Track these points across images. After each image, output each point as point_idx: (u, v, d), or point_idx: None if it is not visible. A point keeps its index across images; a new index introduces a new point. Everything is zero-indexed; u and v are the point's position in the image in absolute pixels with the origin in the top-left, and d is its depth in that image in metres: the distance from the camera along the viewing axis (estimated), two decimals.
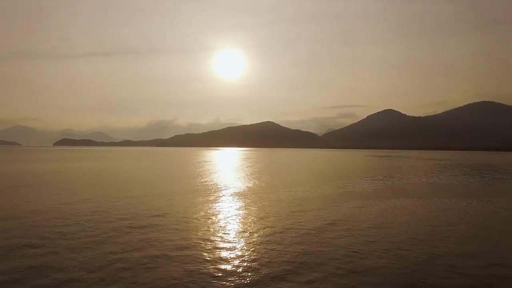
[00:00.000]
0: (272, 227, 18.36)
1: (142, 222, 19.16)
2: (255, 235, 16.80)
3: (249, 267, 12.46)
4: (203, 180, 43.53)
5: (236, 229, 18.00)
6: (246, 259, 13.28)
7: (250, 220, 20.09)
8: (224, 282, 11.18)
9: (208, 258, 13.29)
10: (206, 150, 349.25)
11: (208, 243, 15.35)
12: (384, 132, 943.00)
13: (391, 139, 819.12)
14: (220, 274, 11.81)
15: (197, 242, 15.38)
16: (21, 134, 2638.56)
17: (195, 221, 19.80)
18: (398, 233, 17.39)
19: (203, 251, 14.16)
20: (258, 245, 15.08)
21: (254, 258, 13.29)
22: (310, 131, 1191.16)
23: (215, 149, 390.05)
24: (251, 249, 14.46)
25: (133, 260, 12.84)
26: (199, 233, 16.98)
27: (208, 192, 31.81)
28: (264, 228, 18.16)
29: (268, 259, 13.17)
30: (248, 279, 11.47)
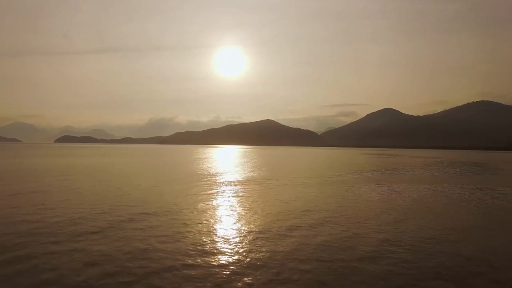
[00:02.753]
0: (287, 203, 24.86)
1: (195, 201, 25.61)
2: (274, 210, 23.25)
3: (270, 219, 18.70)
4: (219, 174, 49.93)
5: (261, 203, 24.49)
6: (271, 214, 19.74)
7: (267, 200, 26.58)
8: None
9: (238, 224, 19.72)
10: (207, 147, 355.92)
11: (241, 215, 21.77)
12: (383, 131, 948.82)
13: (390, 138, 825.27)
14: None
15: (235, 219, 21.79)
16: (21, 131, 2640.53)
17: (228, 207, 26.23)
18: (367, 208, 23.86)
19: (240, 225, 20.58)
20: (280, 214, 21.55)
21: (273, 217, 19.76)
22: (310, 130, 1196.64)
23: (215, 147, 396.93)
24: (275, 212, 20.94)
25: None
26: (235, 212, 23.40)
27: (228, 183, 38.25)
28: (280, 204, 24.62)
29: (288, 218, 19.65)
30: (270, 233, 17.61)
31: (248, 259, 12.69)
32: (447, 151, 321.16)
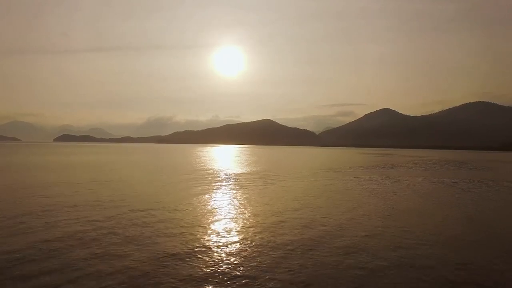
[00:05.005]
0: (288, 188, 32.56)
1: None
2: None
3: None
4: (230, 170, 57.57)
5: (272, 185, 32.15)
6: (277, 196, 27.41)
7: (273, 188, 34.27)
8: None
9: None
10: (206, 147, 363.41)
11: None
12: (380, 131, 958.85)
13: (388, 138, 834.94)
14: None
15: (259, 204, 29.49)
16: (20, 130, 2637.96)
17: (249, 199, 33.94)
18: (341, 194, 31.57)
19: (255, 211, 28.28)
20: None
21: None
22: (308, 129, 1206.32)
23: (215, 146, 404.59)
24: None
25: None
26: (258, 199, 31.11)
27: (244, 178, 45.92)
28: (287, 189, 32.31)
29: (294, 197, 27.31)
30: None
31: (270, 223, 20.12)
32: (442, 151, 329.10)
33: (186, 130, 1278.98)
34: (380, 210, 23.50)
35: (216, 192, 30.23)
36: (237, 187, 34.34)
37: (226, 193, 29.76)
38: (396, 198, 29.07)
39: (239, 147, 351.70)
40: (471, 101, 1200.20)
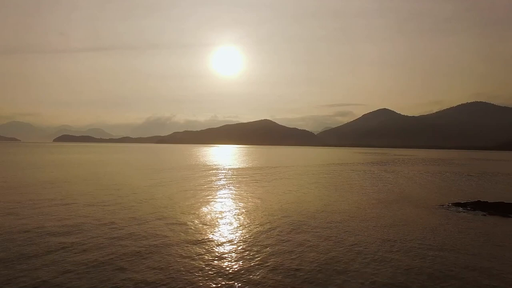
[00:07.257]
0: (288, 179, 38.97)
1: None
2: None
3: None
4: (240, 167, 63.86)
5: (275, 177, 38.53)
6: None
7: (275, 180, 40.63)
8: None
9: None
10: (207, 147, 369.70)
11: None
12: (378, 131, 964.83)
13: (385, 138, 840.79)
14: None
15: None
16: (19, 130, 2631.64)
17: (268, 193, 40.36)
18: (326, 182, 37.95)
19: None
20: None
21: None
22: (307, 129, 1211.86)
23: (215, 146, 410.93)
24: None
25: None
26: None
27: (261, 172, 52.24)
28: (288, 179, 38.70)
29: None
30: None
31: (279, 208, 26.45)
32: (438, 151, 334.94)
33: (185, 131, 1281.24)
34: (364, 188, 29.98)
35: (244, 186, 36.60)
36: (260, 180, 40.73)
37: (250, 186, 36.12)
38: (375, 182, 36.29)
39: (240, 148, 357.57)
40: (469, 101, 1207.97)
